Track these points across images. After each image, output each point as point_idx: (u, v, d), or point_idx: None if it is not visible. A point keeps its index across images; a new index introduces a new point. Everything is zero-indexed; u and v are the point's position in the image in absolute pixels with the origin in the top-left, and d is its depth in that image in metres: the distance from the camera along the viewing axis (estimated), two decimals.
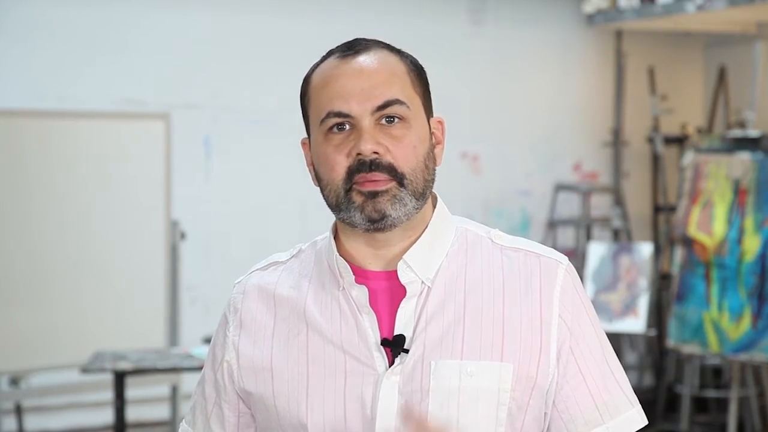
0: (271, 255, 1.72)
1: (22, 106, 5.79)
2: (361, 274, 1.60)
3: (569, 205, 7.11)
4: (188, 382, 5.28)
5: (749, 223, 5.41)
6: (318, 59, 1.63)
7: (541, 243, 1.68)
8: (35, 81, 6.04)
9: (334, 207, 1.58)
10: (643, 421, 1.63)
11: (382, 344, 1.57)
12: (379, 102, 1.56)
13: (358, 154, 1.54)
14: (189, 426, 1.73)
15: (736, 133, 5.77)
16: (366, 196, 1.55)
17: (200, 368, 1.73)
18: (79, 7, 6.12)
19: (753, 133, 5.66)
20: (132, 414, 5.23)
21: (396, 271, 1.59)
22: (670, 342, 5.58)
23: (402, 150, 1.56)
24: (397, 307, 1.58)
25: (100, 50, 6.17)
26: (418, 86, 1.60)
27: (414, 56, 1.65)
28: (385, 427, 1.54)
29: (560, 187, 7.04)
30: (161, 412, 6.06)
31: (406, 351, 1.56)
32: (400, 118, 1.56)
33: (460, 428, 1.54)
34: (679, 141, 6.98)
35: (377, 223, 1.56)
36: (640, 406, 1.64)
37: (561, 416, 1.60)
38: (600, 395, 1.60)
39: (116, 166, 5.39)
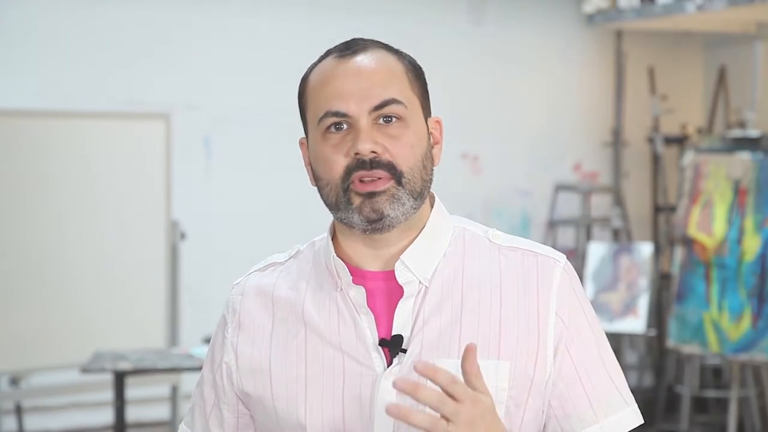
0: (270, 256, 1.72)
1: (22, 106, 5.80)
2: (358, 275, 1.60)
3: (569, 205, 7.11)
4: (188, 382, 5.28)
5: (749, 223, 5.41)
6: (316, 59, 1.64)
7: (541, 243, 1.68)
8: (35, 81, 6.04)
9: (333, 206, 1.59)
10: (639, 421, 1.63)
11: (380, 344, 1.57)
12: (377, 102, 1.56)
13: (356, 153, 1.55)
14: (188, 427, 1.73)
15: (736, 133, 5.77)
16: (364, 197, 1.55)
17: (200, 368, 1.73)
18: (80, 7, 6.12)
19: (753, 133, 5.66)
20: (132, 414, 5.23)
21: (393, 271, 1.59)
22: (670, 342, 5.58)
23: (400, 149, 1.56)
24: (395, 307, 1.58)
25: (100, 50, 6.17)
26: (416, 86, 1.61)
27: (412, 56, 1.65)
28: (383, 426, 1.54)
29: (560, 187, 7.04)
30: (161, 412, 6.06)
31: (404, 351, 1.56)
32: (398, 118, 1.57)
33: None
34: (679, 141, 6.98)
35: (375, 224, 1.56)
36: (636, 405, 1.64)
37: (555, 414, 1.60)
38: (595, 394, 1.60)
39: (116, 166, 5.39)
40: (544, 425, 1.61)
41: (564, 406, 1.59)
